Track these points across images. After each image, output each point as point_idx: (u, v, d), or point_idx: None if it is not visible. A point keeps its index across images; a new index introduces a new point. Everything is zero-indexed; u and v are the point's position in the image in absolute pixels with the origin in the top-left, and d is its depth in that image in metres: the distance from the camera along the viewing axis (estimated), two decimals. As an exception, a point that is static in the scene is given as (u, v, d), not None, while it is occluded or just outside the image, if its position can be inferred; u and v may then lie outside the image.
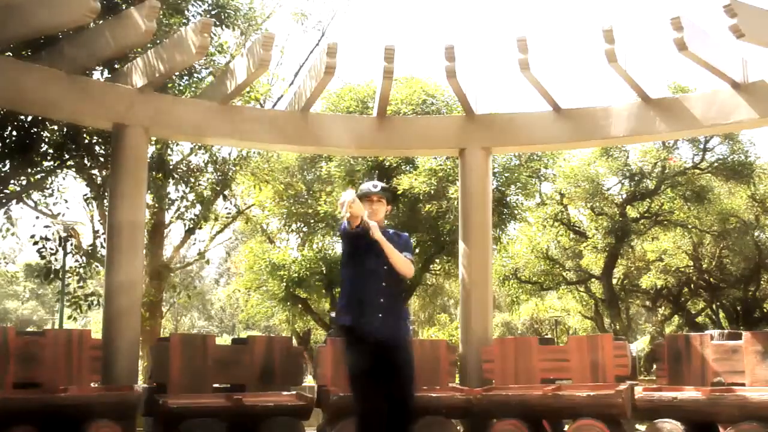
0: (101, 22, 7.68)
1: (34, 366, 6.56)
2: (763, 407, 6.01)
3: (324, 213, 17.19)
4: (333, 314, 5.29)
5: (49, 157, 10.37)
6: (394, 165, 16.36)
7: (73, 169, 11.05)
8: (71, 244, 13.13)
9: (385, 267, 5.01)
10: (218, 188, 13.85)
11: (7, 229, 11.30)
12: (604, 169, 21.87)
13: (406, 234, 5.45)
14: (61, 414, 6.10)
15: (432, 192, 15.53)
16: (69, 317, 12.37)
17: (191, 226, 14.12)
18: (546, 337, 14.15)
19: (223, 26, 11.51)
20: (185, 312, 43.51)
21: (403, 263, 5.05)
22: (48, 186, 11.21)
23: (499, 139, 8.35)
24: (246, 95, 11.73)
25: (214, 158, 13.09)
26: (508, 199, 16.93)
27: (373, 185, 5.22)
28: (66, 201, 12.27)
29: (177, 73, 9.96)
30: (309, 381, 14.02)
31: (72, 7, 6.47)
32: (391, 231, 5.28)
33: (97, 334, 7.29)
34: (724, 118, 7.44)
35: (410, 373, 5.02)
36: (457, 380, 7.94)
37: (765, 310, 25.83)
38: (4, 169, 9.85)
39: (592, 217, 22.56)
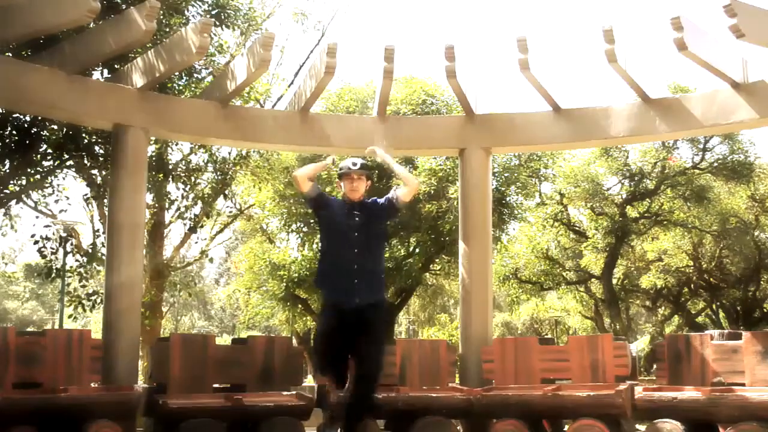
0: (101, 22, 7.68)
1: (34, 366, 6.56)
2: (763, 407, 6.01)
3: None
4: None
5: (49, 157, 10.37)
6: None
7: (73, 169, 11.04)
8: (71, 244, 13.13)
9: (356, 234, 5.33)
10: (218, 188, 13.85)
11: (11, 227, 11.29)
12: (604, 169, 21.88)
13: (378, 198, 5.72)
14: (61, 414, 6.10)
15: (432, 192, 15.54)
16: (70, 317, 12.37)
17: (191, 225, 14.11)
18: (546, 337, 14.17)
19: (223, 26, 11.50)
20: (185, 312, 43.50)
21: (409, 178, 5.59)
22: (48, 186, 11.21)
23: (499, 139, 8.35)
24: (246, 95, 11.73)
25: (214, 158, 13.08)
26: (508, 199, 16.93)
27: (353, 163, 5.47)
28: (68, 198, 12.24)
29: (177, 73, 9.95)
30: (309, 381, 14.03)
31: (72, 7, 6.47)
32: (369, 200, 5.56)
33: (97, 334, 7.29)
34: (724, 118, 7.44)
35: (379, 339, 5.39)
36: (457, 380, 7.94)
37: (765, 310, 25.82)
38: (4, 169, 9.85)
39: (592, 217, 22.57)
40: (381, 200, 5.59)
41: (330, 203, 5.57)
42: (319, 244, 5.92)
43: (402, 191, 5.53)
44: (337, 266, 5.37)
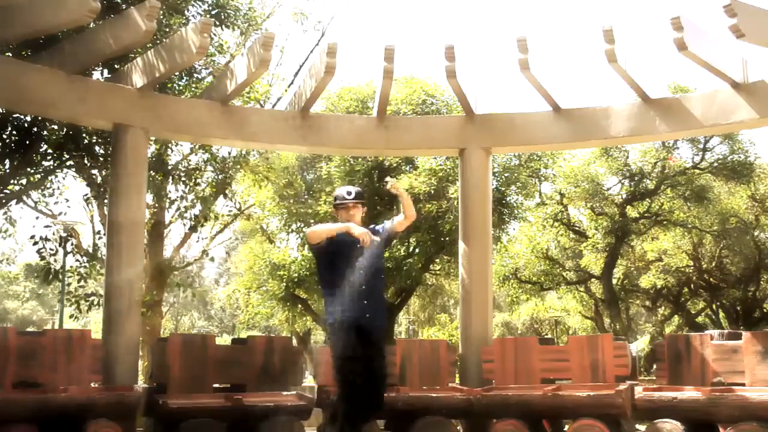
0: (101, 22, 7.68)
1: (34, 366, 6.55)
2: (763, 407, 6.02)
3: (324, 213, 17.19)
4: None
5: (49, 157, 10.36)
6: (394, 165, 16.36)
7: (73, 169, 11.03)
8: (71, 244, 13.12)
9: (358, 259, 5.39)
10: (218, 187, 13.83)
11: (6, 231, 11.28)
12: (604, 169, 21.88)
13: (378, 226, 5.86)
14: (61, 414, 6.10)
15: (432, 192, 15.53)
16: (70, 317, 12.35)
17: (192, 225, 14.10)
18: (546, 337, 14.17)
19: (223, 26, 11.48)
20: (185, 312, 43.53)
21: (412, 211, 5.60)
22: (48, 186, 11.20)
23: (499, 139, 8.35)
24: (246, 95, 11.72)
25: (214, 158, 13.07)
26: (508, 199, 16.93)
27: (347, 192, 5.62)
28: (67, 200, 12.24)
29: (177, 73, 9.94)
30: (309, 381, 14.03)
31: (72, 7, 6.47)
32: (370, 227, 5.68)
33: (97, 334, 7.29)
34: (724, 118, 7.44)
35: (384, 369, 5.47)
36: (457, 380, 7.95)
37: (765, 310, 25.82)
38: (4, 169, 9.85)
39: (592, 217, 22.57)
40: (378, 228, 5.76)
41: (331, 239, 5.57)
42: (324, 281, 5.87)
43: (398, 220, 5.65)
44: (344, 289, 5.42)
